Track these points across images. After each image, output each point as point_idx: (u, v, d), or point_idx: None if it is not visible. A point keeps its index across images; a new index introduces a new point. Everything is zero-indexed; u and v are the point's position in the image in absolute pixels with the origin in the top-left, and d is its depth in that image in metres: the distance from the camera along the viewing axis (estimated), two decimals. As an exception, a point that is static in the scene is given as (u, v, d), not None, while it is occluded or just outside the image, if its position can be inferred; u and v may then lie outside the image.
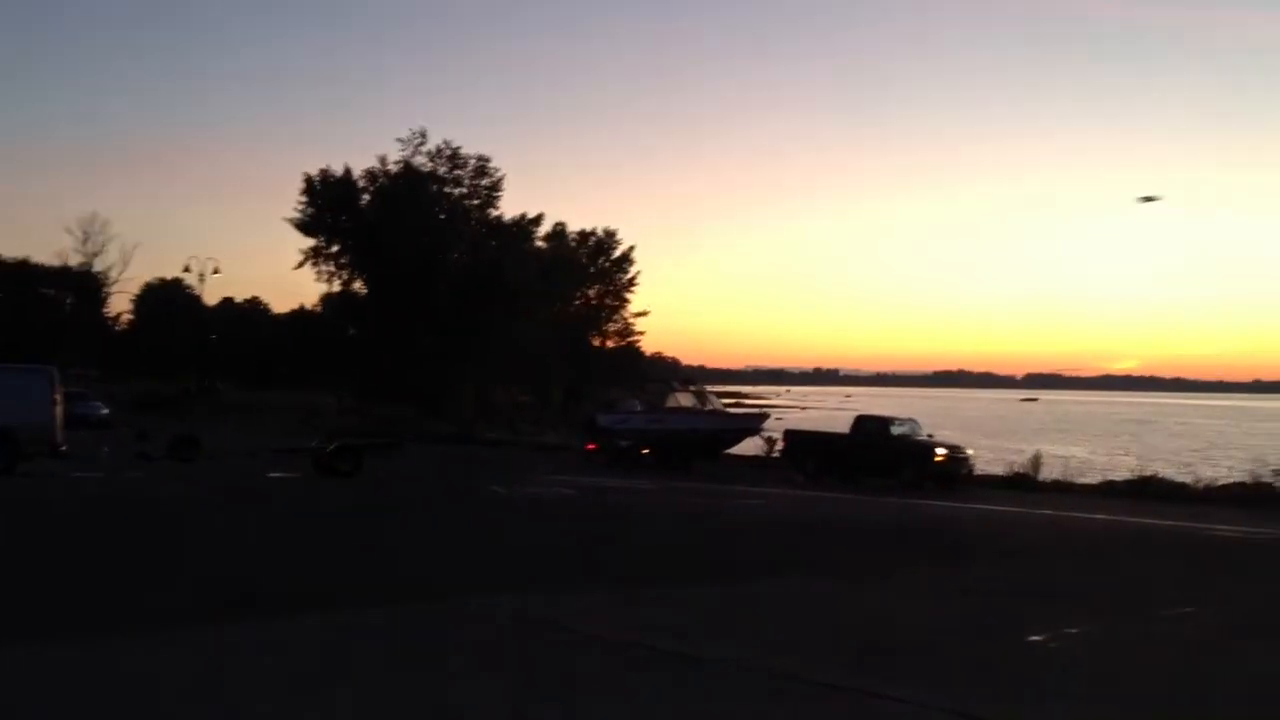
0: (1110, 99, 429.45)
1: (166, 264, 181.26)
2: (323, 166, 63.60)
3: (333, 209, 63.02)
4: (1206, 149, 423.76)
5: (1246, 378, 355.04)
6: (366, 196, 63.53)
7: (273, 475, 27.97)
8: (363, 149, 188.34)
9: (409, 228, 58.86)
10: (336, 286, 64.28)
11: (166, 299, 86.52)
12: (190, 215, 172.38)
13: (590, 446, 37.45)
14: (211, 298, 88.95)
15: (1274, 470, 30.93)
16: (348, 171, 63.47)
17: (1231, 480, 31.72)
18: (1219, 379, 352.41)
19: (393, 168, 62.48)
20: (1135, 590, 13.89)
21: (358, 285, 64.31)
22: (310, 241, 62.80)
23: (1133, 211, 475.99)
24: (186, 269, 62.16)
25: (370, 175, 63.22)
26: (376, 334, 59.67)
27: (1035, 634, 10.07)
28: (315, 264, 62.74)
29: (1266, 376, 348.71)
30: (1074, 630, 10.44)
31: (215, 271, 62.40)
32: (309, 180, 63.12)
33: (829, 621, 10.66)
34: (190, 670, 7.71)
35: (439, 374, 58.57)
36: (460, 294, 59.39)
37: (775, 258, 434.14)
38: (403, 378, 56.85)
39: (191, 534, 16.40)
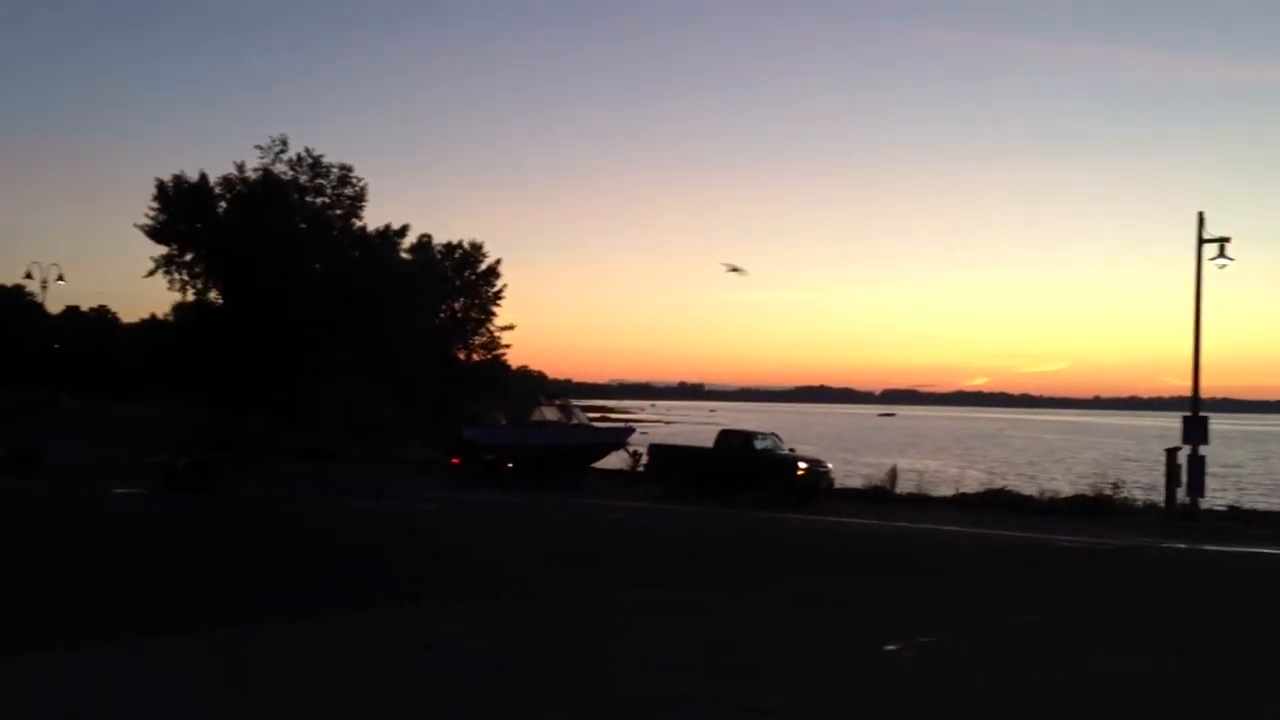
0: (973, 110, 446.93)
1: (7, 270, 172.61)
2: (176, 172, 61.45)
3: (187, 216, 60.83)
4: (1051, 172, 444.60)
5: (1088, 395, 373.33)
6: (223, 204, 61.61)
7: (119, 491, 26.85)
8: (220, 155, 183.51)
9: (268, 237, 57.23)
10: (190, 296, 62.13)
11: (6, 306, 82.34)
12: (33, 220, 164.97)
13: (454, 461, 36.98)
14: (55, 306, 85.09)
15: (1112, 483, 32.46)
16: (203, 178, 61.44)
17: (1074, 492, 33.07)
18: (1063, 396, 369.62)
19: (251, 175, 60.72)
20: (985, 599, 14.37)
21: (213, 295, 62.29)
22: (162, 249, 60.54)
23: (983, 234, 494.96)
24: (28, 275, 59.30)
25: (227, 182, 61.31)
26: (233, 345, 57.80)
27: (890, 644, 10.31)
28: (168, 272, 60.50)
29: (1106, 394, 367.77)
30: (927, 640, 10.73)
31: (59, 279, 59.76)
32: (162, 186, 60.80)
33: (692, 634, 10.71)
34: None
35: (299, 387, 57.07)
36: (321, 305, 58.01)
37: (642, 274, 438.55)
38: (261, 390, 55.21)
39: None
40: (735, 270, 41.05)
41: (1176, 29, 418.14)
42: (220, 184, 61.39)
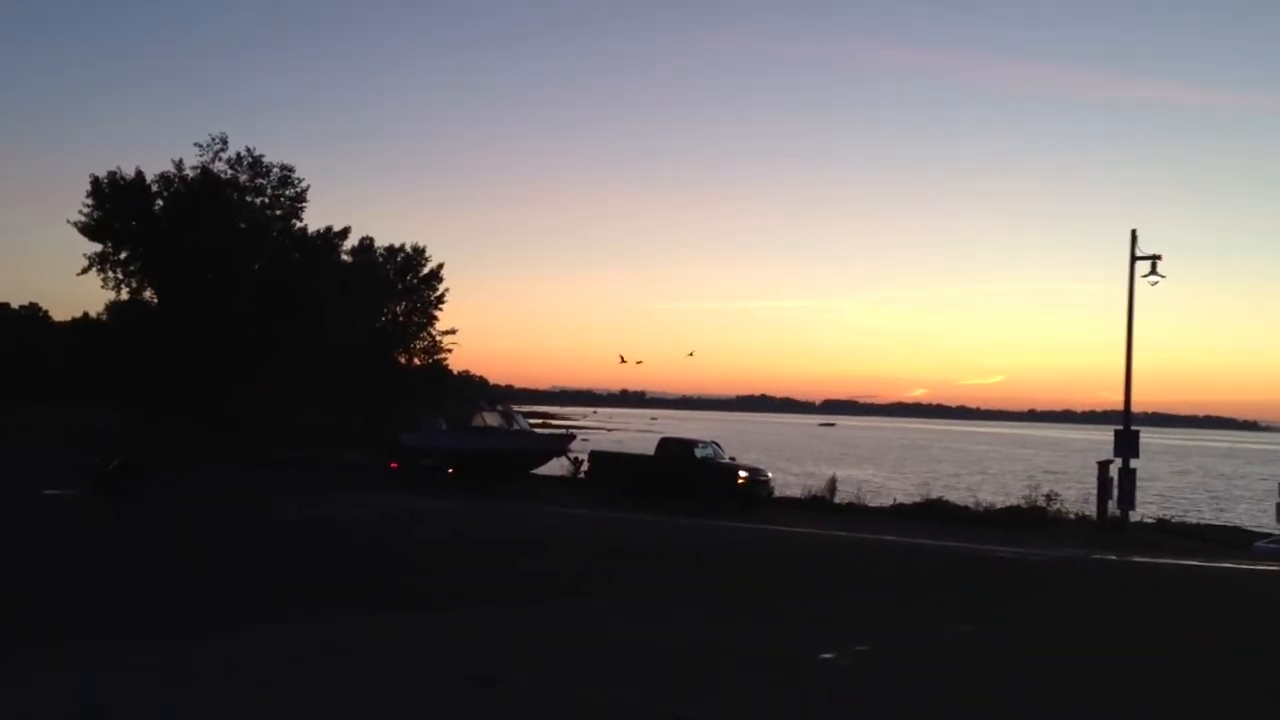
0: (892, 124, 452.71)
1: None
2: (112, 168, 60.23)
3: (122, 213, 59.59)
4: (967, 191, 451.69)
5: (1024, 408, 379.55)
6: (160, 202, 60.50)
7: (49, 493, 26.29)
8: (158, 153, 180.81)
9: (205, 236, 56.33)
10: (125, 295, 60.89)
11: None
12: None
13: (393, 466, 36.62)
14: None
15: (1045, 495, 33.00)
16: (140, 175, 60.20)
17: (1008, 504, 33.55)
18: (999, 408, 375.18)
19: (190, 173, 59.65)
20: (920, 609, 14.51)
21: (148, 294, 61.10)
22: (96, 246, 59.29)
23: (927, 249, 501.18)
24: (-45, 271, 57.71)
25: (165, 180, 60.13)
26: (168, 346, 56.72)
27: (827, 652, 10.37)
28: (101, 270, 59.21)
29: (1040, 407, 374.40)
30: (863, 648, 10.81)
31: (-12, 275, 58.29)
32: (96, 182, 59.52)
33: (630, 642, 10.69)
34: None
35: (235, 390, 56.14)
36: (260, 307, 57.16)
37: (586, 281, 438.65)
38: (196, 393, 54.25)
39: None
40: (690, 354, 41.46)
41: (1115, 49, 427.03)
42: (158, 181, 60.28)
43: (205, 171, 59.51)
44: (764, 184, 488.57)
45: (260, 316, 56.66)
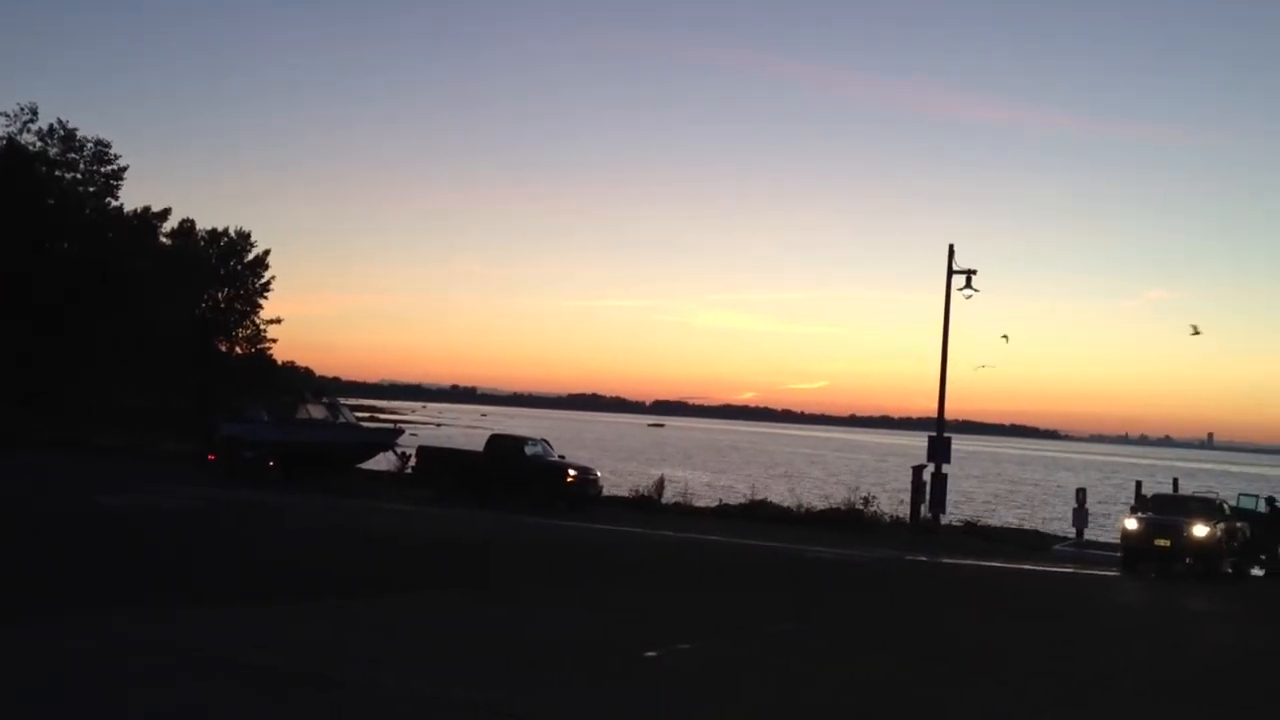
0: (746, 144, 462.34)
1: None
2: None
3: (-85, 183, 55.78)
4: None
5: (845, 413, 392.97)
6: (-41, 173, 56.85)
7: None
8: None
9: (10, 212, 53.15)
10: (-83, 271, 56.84)
11: None
12: None
13: (210, 456, 35.23)
14: None
15: (863, 498, 34.16)
16: (-63, 143, 56.59)
17: (828, 506, 34.57)
18: (822, 413, 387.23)
19: (-7, 144, 56.43)
20: (743, 608, 14.82)
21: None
22: (-116, 218, 55.17)
23: (755, 256, 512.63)
24: None
25: (-36, 149, 56.70)
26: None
27: (651, 650, 10.49)
28: (-110, 245, 55.17)
29: (861, 413, 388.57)
30: (686, 646, 10.97)
31: None
32: (-116, 149, 55.58)
33: (453, 640, 10.58)
34: None
35: (45, 374, 53.08)
36: (71, 287, 54.26)
37: (416, 275, 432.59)
38: (1, 377, 51.00)
39: None
40: (1196, 332, 38.57)
41: (945, 68, 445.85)
42: (-45, 149, 56.65)
43: (11, 142, 56.41)
44: (600, 182, 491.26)
45: (72, 298, 53.78)
